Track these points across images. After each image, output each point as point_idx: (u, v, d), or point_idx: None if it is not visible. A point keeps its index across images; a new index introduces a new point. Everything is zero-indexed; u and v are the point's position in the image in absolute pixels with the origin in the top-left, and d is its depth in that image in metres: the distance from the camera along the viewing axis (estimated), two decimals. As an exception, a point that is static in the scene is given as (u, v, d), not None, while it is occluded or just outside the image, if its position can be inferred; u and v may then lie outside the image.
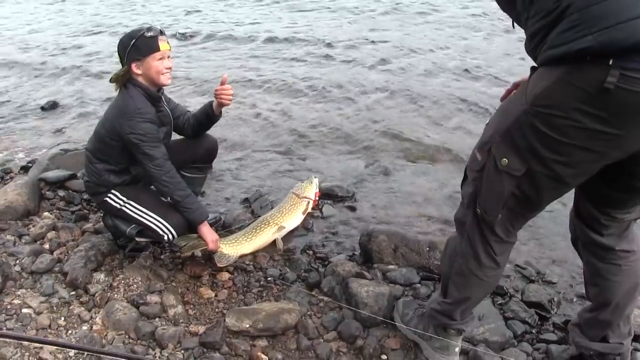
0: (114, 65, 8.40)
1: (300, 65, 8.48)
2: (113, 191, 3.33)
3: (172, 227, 3.24)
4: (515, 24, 2.11)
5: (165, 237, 3.25)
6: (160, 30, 3.18)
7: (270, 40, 10.08)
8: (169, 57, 3.23)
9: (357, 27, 10.82)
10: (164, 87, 3.38)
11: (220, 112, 3.67)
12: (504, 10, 2.17)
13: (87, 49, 10.00)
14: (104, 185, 3.32)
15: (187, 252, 3.34)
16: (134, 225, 3.31)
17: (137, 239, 3.35)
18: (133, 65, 3.16)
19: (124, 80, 3.21)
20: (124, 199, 3.31)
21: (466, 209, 2.28)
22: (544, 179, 1.95)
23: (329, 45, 9.45)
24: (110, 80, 3.25)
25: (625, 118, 1.68)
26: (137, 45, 3.11)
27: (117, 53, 3.21)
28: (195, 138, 3.78)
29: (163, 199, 3.37)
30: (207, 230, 3.32)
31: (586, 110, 1.71)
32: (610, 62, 1.60)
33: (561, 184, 1.99)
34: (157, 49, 3.17)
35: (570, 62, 1.70)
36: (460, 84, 7.37)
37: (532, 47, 1.89)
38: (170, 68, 3.25)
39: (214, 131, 3.91)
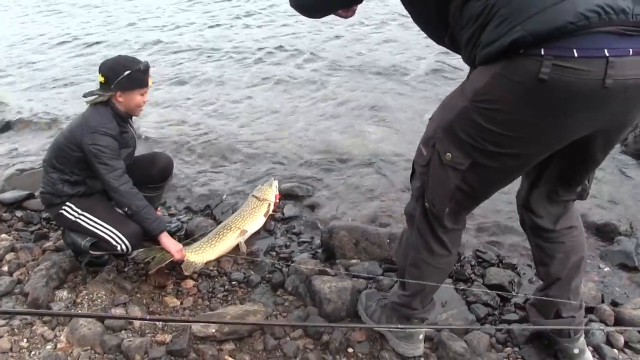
0: (64, 82, 8.46)
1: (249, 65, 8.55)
2: (68, 203, 3.31)
3: (125, 237, 3.23)
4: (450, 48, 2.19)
5: (119, 248, 3.24)
6: (148, 65, 3.26)
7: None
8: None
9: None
10: None
11: None
12: (436, 40, 2.25)
13: (39, 64, 9.82)
14: (58, 196, 3.30)
15: (154, 269, 3.29)
16: (88, 238, 3.28)
17: (92, 252, 3.32)
18: (118, 94, 3.20)
19: (97, 101, 3.24)
20: (79, 210, 3.29)
21: (415, 202, 2.32)
22: (489, 171, 2.00)
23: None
24: (84, 96, 3.29)
25: (563, 107, 1.73)
26: (131, 77, 3.17)
27: (99, 72, 3.20)
28: (148, 157, 3.78)
29: (119, 210, 3.35)
30: (169, 241, 3.31)
31: (525, 103, 1.76)
32: (542, 52, 1.64)
33: (506, 174, 2.05)
34: (146, 85, 3.27)
35: (506, 56, 1.74)
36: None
37: (468, 53, 1.94)
38: (145, 102, 3.35)
39: (170, 144, 3.90)
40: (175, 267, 3.40)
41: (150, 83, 3.30)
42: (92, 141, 3.13)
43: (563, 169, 2.16)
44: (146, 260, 3.32)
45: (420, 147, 2.21)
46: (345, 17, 2.36)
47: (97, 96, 3.21)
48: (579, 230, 2.44)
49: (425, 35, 2.29)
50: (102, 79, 3.18)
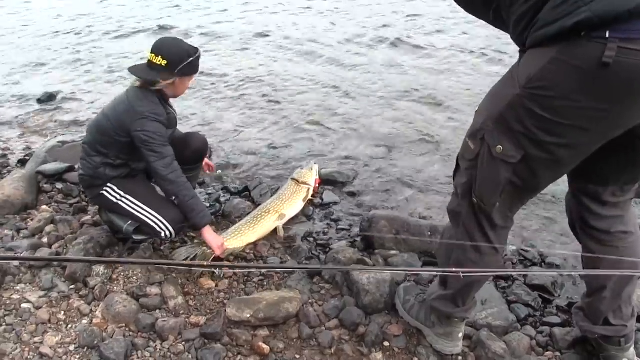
0: (110, 58, 8.49)
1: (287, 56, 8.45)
2: (109, 184, 3.28)
3: (168, 222, 3.21)
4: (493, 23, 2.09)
5: (163, 234, 3.23)
6: None
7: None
8: None
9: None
10: None
11: None
12: (477, 15, 2.14)
13: (84, 40, 9.91)
14: (99, 179, 3.27)
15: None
16: (130, 222, 3.27)
17: (135, 237, 3.31)
18: (177, 80, 3.15)
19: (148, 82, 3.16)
20: (121, 192, 3.27)
21: (461, 199, 2.23)
22: (542, 164, 1.91)
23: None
24: (137, 75, 3.16)
25: (626, 92, 1.64)
26: (193, 64, 3.16)
27: (159, 54, 3.05)
28: (181, 138, 3.70)
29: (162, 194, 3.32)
30: (211, 237, 3.26)
31: (585, 89, 1.66)
32: (607, 35, 1.55)
33: (560, 166, 1.96)
34: (198, 70, 3.27)
35: (565, 39, 1.65)
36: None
37: (520, 31, 1.85)
38: None
39: (208, 122, 3.87)
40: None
41: None
42: (141, 127, 3.06)
43: (619, 161, 2.05)
44: (188, 259, 3.28)
45: (467, 140, 2.12)
46: None
47: (159, 81, 3.09)
48: (636, 237, 2.30)
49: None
50: (163, 62, 3.03)
